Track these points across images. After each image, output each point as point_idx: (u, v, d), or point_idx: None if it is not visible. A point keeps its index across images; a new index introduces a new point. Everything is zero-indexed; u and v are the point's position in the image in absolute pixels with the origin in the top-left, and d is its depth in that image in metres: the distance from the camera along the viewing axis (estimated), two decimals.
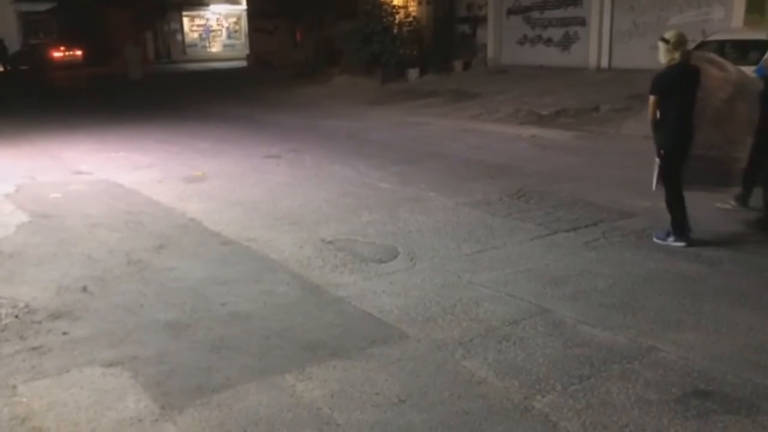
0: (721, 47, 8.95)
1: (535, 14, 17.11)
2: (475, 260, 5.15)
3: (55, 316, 4.25)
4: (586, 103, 12.23)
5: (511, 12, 17.76)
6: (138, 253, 5.40)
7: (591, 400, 3.22)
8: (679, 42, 5.19)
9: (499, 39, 18.05)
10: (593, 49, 15.30)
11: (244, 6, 32.40)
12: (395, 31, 18.69)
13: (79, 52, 32.22)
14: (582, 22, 15.71)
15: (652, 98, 5.28)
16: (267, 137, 11.10)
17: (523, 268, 4.97)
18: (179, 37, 36.10)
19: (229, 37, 36.83)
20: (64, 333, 4.02)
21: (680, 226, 5.29)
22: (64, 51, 31.99)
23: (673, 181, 5.31)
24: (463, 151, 9.56)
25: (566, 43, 16.17)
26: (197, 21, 36.47)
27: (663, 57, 5.27)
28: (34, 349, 3.82)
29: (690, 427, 3.00)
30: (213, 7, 36.23)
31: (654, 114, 5.29)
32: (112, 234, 5.95)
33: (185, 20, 36.09)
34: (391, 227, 6.00)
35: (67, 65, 30.68)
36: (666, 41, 5.22)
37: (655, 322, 4.04)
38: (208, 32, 36.28)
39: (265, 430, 3.04)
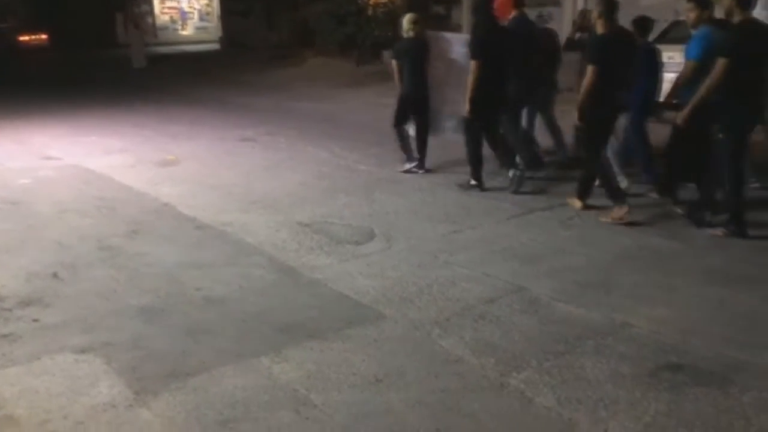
0: None
1: None
2: (451, 240, 5.16)
3: (26, 303, 4.18)
4: (560, 83, 12.21)
5: None
6: (110, 239, 5.32)
7: (566, 375, 3.25)
8: (412, 21, 6.90)
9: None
10: (567, 29, 15.32)
11: None
12: (369, 12, 18.52)
13: (44, 36, 31.34)
14: (556, 2, 15.69)
15: (393, 62, 7.03)
16: (241, 120, 10.98)
17: (499, 247, 4.99)
18: (150, 19, 35.41)
19: (201, 19, 36.20)
20: (35, 320, 3.95)
21: (409, 155, 7.16)
22: (29, 35, 31.14)
23: (400, 123, 7.10)
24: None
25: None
26: (168, 3, 35.80)
27: (404, 32, 6.98)
28: (3, 336, 3.74)
29: (662, 400, 3.04)
30: None
31: (398, 75, 6.97)
32: (83, 220, 5.85)
33: (156, 2, 35.41)
34: (368, 209, 5.98)
35: (33, 49, 29.85)
36: (403, 22, 6.99)
37: (629, 298, 4.09)
38: (184, 15, 35.60)
39: (242, 413, 3.03)
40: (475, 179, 6.44)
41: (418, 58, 6.88)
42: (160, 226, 5.69)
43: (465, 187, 6.45)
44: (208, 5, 35.99)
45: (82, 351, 3.58)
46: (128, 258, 4.94)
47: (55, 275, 4.62)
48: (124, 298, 4.26)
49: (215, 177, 7.29)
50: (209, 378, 3.30)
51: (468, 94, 6.15)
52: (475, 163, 6.45)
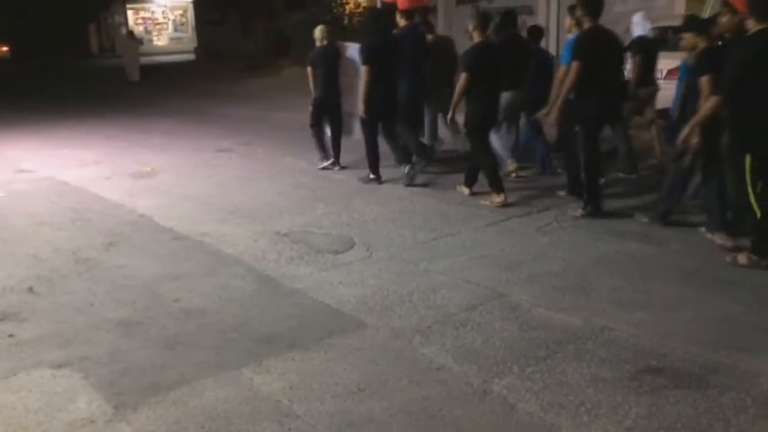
0: (664, 33, 9.15)
1: (484, 3, 17.18)
2: (431, 248, 5.17)
3: (1, 318, 4.10)
4: None
5: (460, 2, 17.83)
6: (86, 252, 5.25)
7: (547, 380, 3.27)
8: (326, 32, 7.65)
9: (450, 29, 18.08)
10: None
11: None
12: (345, 21, 18.59)
13: (4, 48, 30.71)
14: (530, 11, 15.85)
15: (309, 70, 7.63)
16: (218, 130, 10.92)
17: (478, 254, 5.01)
18: (124, 30, 35.14)
19: (175, 29, 35.99)
20: (10, 335, 3.88)
21: (325, 154, 7.74)
22: None
23: (315, 126, 7.70)
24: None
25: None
26: (142, 14, 35.56)
27: (317, 41, 7.62)
28: None
29: (643, 403, 3.07)
30: None
31: (314, 80, 7.61)
32: (59, 232, 5.77)
33: (130, 13, 35.15)
34: (347, 218, 5.98)
35: None
36: (316, 32, 7.68)
37: (607, 302, 4.13)
38: (148, 24, 35.21)
39: (223, 425, 3.00)
40: (373, 173, 7.07)
41: (331, 66, 7.52)
42: (136, 237, 5.62)
43: (365, 180, 7.08)
44: (182, 15, 35.80)
45: (60, 366, 3.52)
46: (105, 270, 4.87)
47: (30, 289, 4.54)
48: (102, 311, 4.20)
49: (192, 188, 7.24)
50: (190, 391, 3.27)
51: (362, 96, 6.77)
52: (372, 158, 7.07)
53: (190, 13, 33.56)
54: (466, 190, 6.53)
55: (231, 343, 3.74)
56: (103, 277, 4.74)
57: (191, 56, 29.27)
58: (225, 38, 26.59)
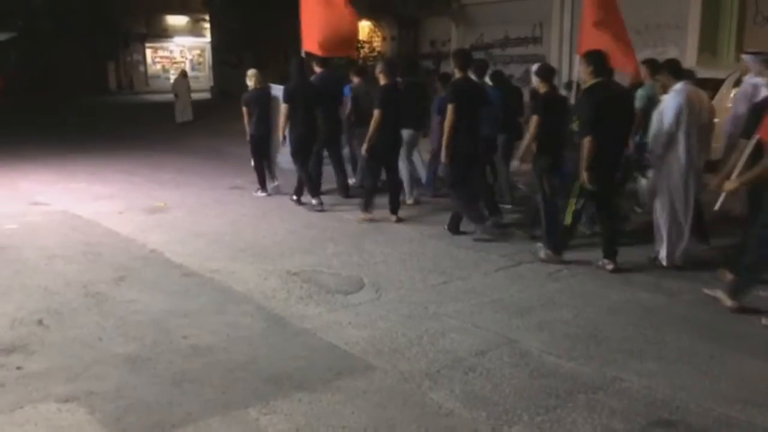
0: None
1: (497, 51, 17.49)
2: (440, 291, 5.16)
3: (9, 350, 4.10)
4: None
5: (473, 48, 18.07)
6: (97, 285, 5.27)
7: (557, 430, 3.22)
8: (257, 76, 8.59)
9: None
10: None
11: (208, 39, 32.40)
12: (360, 64, 18.90)
13: None
14: (542, 59, 16.07)
15: (244, 109, 8.60)
16: (231, 168, 11.02)
17: (488, 299, 4.99)
18: (142, 68, 35.87)
19: (192, 69, 36.67)
20: (18, 368, 3.87)
21: (262, 183, 8.80)
22: None
23: (258, 163, 8.75)
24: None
25: (527, 79, 16.53)
26: (161, 53, 36.35)
27: (251, 84, 8.60)
28: None
29: None
30: (177, 39, 36.16)
31: (248, 119, 8.54)
32: (70, 266, 5.80)
33: (148, 51, 35.94)
34: (357, 258, 5.98)
35: None
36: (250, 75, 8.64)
37: (619, 352, 4.09)
38: (166, 62, 35.90)
39: None
40: (296, 195, 8.18)
41: (263, 105, 8.51)
42: (147, 273, 5.64)
43: (296, 203, 8.15)
44: (199, 56, 36.56)
45: (66, 400, 3.50)
46: (115, 305, 4.88)
47: (40, 322, 4.55)
48: (110, 346, 4.19)
49: (204, 224, 7.29)
50: (195, 430, 3.24)
51: (281, 131, 7.93)
52: (310, 184, 8.06)
53: (207, 54, 34.24)
54: (364, 215, 7.34)
55: (238, 382, 3.72)
56: (113, 312, 4.75)
57: (207, 95, 29.72)
58: (240, 79, 26.92)
